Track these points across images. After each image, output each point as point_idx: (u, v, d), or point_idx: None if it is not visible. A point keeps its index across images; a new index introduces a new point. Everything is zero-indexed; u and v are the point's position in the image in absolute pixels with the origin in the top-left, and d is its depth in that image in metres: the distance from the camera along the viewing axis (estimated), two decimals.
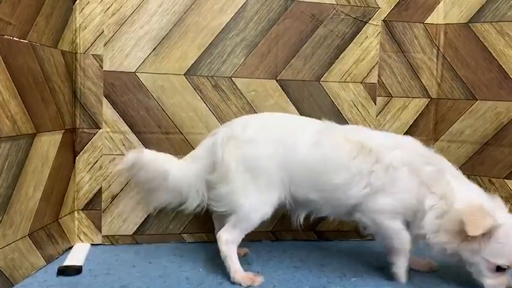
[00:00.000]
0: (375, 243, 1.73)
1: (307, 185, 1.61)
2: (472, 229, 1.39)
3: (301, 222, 1.68)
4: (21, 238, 1.53)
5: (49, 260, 1.68)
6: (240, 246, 1.64)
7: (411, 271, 1.64)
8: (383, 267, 1.68)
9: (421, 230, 1.53)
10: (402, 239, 1.58)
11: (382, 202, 1.56)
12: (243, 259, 1.80)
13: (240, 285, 1.53)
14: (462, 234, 1.42)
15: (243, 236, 1.61)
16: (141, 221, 1.94)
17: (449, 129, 2.13)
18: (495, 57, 2.01)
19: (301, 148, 1.61)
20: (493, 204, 1.50)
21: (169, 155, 1.74)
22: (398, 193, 1.56)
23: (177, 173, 1.67)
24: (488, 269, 1.48)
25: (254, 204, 1.58)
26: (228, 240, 1.58)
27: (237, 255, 1.59)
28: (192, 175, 1.67)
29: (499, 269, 1.47)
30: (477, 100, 2.07)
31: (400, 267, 1.60)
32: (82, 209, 1.89)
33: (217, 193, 1.62)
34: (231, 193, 1.59)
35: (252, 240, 1.89)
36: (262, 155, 1.59)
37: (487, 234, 1.42)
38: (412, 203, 1.55)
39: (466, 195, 1.51)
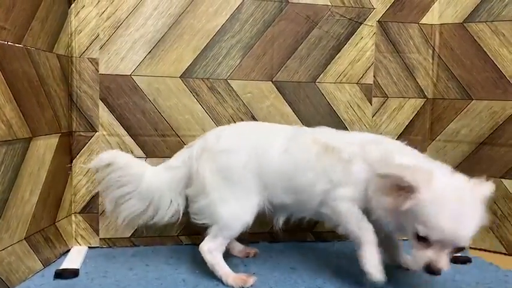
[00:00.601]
0: None
1: (281, 190, 1.64)
2: (397, 176, 1.32)
3: (281, 226, 1.70)
4: (18, 242, 1.54)
5: (46, 263, 1.69)
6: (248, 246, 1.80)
7: (395, 269, 1.60)
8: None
9: (373, 213, 1.49)
10: (363, 228, 1.53)
11: (342, 191, 1.55)
12: (240, 260, 1.81)
13: (233, 287, 1.55)
14: (394, 189, 1.35)
15: (225, 244, 1.64)
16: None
17: (445, 129, 2.14)
18: (490, 56, 2.02)
19: (272, 155, 1.64)
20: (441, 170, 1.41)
21: (143, 162, 1.77)
22: (354, 183, 1.54)
23: (150, 179, 1.67)
24: (411, 234, 1.37)
25: (234, 214, 1.61)
26: (211, 248, 1.61)
27: (223, 260, 1.62)
28: (165, 183, 1.68)
29: (420, 238, 1.32)
30: (473, 100, 2.07)
31: (369, 260, 1.50)
32: (79, 212, 1.90)
33: (197, 206, 1.64)
34: (210, 205, 1.61)
35: (250, 241, 1.91)
36: (236, 164, 1.62)
37: (415, 190, 1.29)
38: (364, 190, 1.51)
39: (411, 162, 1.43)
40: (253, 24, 1.98)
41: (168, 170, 1.71)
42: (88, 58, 1.86)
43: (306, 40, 2.03)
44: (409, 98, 2.14)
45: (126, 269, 1.69)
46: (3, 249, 1.45)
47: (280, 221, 1.70)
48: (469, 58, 2.07)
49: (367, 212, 1.54)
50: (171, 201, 1.69)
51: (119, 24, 1.87)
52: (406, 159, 1.45)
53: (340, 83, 2.07)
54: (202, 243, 1.62)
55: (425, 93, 2.15)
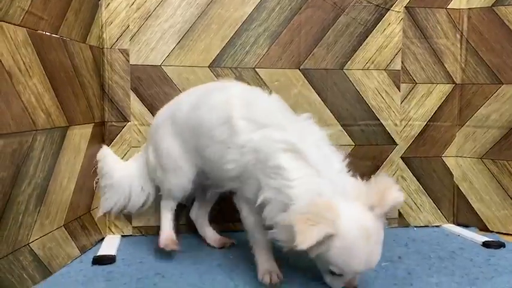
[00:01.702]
0: None
1: (195, 152, 1.63)
2: (299, 242, 1.16)
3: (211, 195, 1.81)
4: (57, 228, 1.57)
5: (83, 250, 1.72)
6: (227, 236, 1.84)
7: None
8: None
9: (265, 222, 1.38)
10: (257, 234, 1.49)
11: (240, 188, 1.48)
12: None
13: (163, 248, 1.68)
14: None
15: (173, 204, 1.78)
16: None
17: (475, 115, 2.12)
18: None
19: (181, 110, 1.67)
20: (345, 198, 1.27)
21: (118, 158, 1.91)
22: (247, 179, 1.42)
23: (120, 172, 1.84)
24: (324, 270, 1.35)
25: (172, 184, 1.72)
26: (162, 205, 1.79)
27: (168, 219, 1.76)
28: (134, 172, 1.84)
29: (334, 273, 1.31)
30: (503, 84, 2.05)
31: (261, 264, 1.49)
32: None
33: (156, 182, 1.81)
34: (159, 182, 1.78)
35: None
36: (162, 136, 1.71)
37: (321, 242, 1.20)
38: (255, 192, 1.39)
39: (308, 191, 1.27)
40: (280, 12, 1.98)
41: (136, 159, 1.88)
42: (119, 49, 1.89)
43: (333, 27, 2.03)
44: (438, 83, 2.12)
45: (161, 256, 1.71)
46: (44, 235, 1.48)
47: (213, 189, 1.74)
48: (499, 42, 2.04)
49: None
50: (142, 187, 1.84)
51: (148, 15, 1.90)
52: (295, 164, 1.31)
53: (367, 69, 2.06)
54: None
55: (454, 79, 2.13)
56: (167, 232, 1.74)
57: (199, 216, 1.90)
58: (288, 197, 1.28)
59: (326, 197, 1.24)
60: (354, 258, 1.26)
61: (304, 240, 1.17)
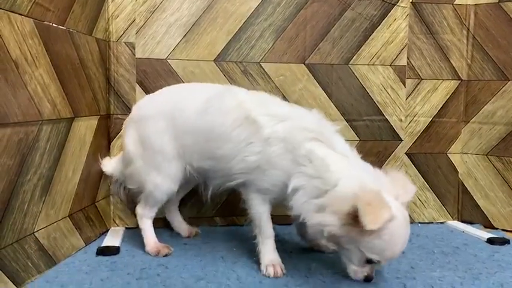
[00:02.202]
0: None
1: (198, 155, 1.60)
2: (369, 222, 1.19)
3: (209, 196, 1.67)
4: (62, 219, 1.58)
5: (87, 241, 1.74)
6: (192, 226, 1.87)
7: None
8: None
9: (292, 211, 1.41)
10: (265, 225, 1.52)
11: (257, 179, 1.48)
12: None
13: (149, 253, 1.65)
14: (348, 218, 1.25)
15: (155, 211, 1.71)
16: None
17: (481, 111, 2.11)
18: None
19: (188, 116, 1.60)
20: (384, 189, 1.31)
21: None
22: (267, 170, 1.46)
23: (107, 170, 1.83)
24: (359, 259, 1.36)
25: (156, 183, 1.65)
26: (142, 215, 1.71)
27: (150, 227, 1.70)
28: (117, 167, 1.81)
29: (369, 261, 1.35)
30: (509, 80, 2.04)
31: (264, 255, 1.51)
32: None
33: (126, 172, 1.74)
34: (135, 173, 1.69)
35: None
36: (154, 130, 1.64)
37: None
38: (281, 180, 1.43)
39: (351, 176, 1.33)
40: (285, 7, 1.98)
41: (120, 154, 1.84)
42: (125, 42, 1.90)
43: (339, 22, 2.02)
44: (443, 79, 2.12)
45: None
46: (49, 225, 1.50)
47: (208, 190, 1.66)
48: (506, 38, 2.03)
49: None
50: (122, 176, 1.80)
51: (154, 9, 1.91)
52: (338, 161, 1.37)
53: (373, 65, 2.06)
54: (137, 207, 1.72)
55: (460, 75, 2.13)
56: (152, 240, 1.68)
57: (171, 204, 1.87)
58: (326, 182, 1.33)
59: (368, 184, 1.29)
60: (397, 244, 1.31)
61: (375, 220, 1.20)
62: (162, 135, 1.63)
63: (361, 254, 1.33)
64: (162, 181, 1.65)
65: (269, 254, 1.51)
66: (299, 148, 1.40)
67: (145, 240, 1.69)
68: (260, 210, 1.52)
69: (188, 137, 1.60)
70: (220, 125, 1.53)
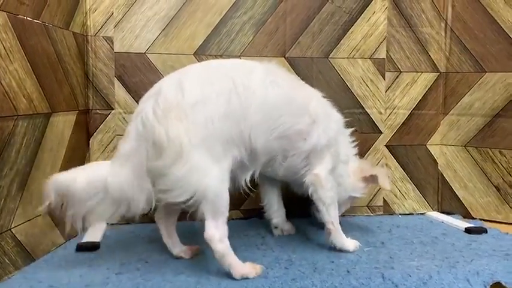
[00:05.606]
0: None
1: (266, 133, 1.45)
2: (387, 185, 1.75)
3: (248, 184, 1.50)
4: (41, 215, 1.56)
5: (68, 238, 1.72)
6: (191, 244, 1.58)
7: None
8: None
9: (339, 178, 1.67)
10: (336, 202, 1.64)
11: (325, 158, 1.61)
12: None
13: (248, 277, 1.35)
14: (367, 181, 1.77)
15: (226, 223, 1.37)
16: None
17: (459, 103, 2.14)
18: (504, 28, 2.01)
19: (254, 90, 1.41)
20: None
21: (95, 163, 1.65)
22: (332, 146, 1.63)
23: (114, 181, 1.33)
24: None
25: (219, 179, 1.34)
26: (221, 237, 1.35)
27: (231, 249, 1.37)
28: (128, 176, 1.34)
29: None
30: (486, 72, 2.07)
31: (342, 238, 1.63)
32: None
33: (171, 179, 1.31)
34: (191, 174, 1.30)
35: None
36: (216, 115, 1.34)
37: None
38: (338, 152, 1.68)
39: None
40: (265, 0, 1.98)
41: (124, 160, 1.36)
42: (103, 36, 1.88)
43: (319, 15, 2.03)
44: (422, 72, 2.14)
45: (146, 243, 1.71)
46: (27, 221, 1.48)
47: (247, 177, 1.50)
48: (482, 31, 2.06)
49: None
50: (141, 188, 1.35)
51: (132, 2, 1.89)
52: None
53: (353, 58, 2.07)
54: (208, 230, 1.34)
55: (438, 67, 2.15)
56: (240, 263, 1.38)
57: (168, 224, 1.60)
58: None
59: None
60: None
61: (388, 183, 1.77)
62: (226, 117, 1.35)
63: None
64: (224, 175, 1.35)
65: (346, 239, 1.64)
66: (338, 122, 1.75)
67: (233, 265, 1.35)
68: (335, 191, 1.63)
69: (257, 115, 1.40)
70: (295, 99, 1.56)
